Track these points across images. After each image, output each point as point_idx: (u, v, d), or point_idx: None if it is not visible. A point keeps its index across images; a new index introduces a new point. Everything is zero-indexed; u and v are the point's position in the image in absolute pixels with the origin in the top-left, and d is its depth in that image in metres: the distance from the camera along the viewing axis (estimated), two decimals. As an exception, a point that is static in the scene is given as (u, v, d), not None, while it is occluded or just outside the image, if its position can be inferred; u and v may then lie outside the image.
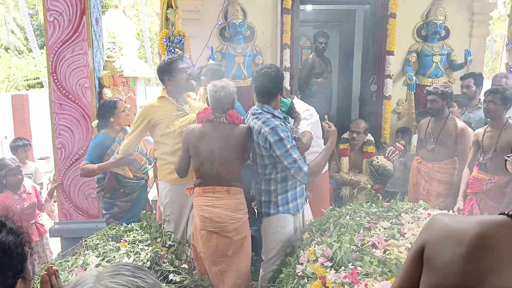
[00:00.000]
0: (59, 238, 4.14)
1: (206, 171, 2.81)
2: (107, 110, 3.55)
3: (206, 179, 2.82)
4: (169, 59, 3.31)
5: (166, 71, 3.27)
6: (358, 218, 2.66)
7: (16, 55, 15.45)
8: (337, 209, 2.91)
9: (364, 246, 2.30)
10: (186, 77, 3.31)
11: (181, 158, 2.97)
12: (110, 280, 0.86)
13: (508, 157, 1.12)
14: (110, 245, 2.85)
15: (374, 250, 2.27)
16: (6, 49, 16.11)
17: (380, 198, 2.98)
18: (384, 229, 2.49)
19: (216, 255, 2.79)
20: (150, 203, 3.88)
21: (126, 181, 3.55)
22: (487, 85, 4.55)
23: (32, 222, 3.75)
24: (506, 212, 1.02)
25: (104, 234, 3.03)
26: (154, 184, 4.20)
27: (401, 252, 2.22)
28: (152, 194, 4.62)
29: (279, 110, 2.90)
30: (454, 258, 1.01)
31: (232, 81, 3.17)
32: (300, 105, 3.48)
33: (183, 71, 3.31)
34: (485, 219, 1.04)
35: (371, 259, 2.16)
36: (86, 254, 2.77)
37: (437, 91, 3.72)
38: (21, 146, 4.52)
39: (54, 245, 4.27)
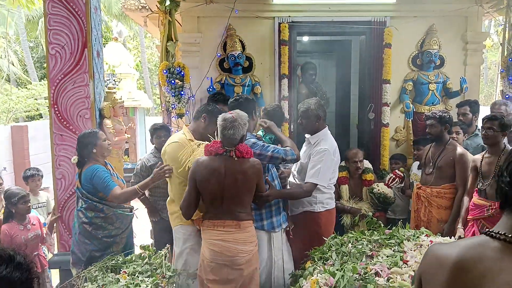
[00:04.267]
0: (58, 269, 4.09)
1: (216, 205, 2.76)
2: (88, 142, 3.35)
3: (215, 212, 2.77)
4: None
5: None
6: (360, 246, 2.65)
7: (17, 87, 15.60)
8: (339, 237, 2.89)
9: (367, 274, 2.28)
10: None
11: (188, 193, 2.82)
12: None
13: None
14: (109, 276, 2.82)
15: (377, 278, 2.25)
16: (7, 80, 16.29)
17: (382, 225, 2.97)
18: (387, 256, 2.47)
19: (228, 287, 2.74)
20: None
21: (126, 213, 3.47)
22: (483, 112, 4.61)
23: (35, 254, 3.71)
24: (485, 231, 1.07)
25: (103, 266, 3.00)
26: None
27: (404, 280, 2.20)
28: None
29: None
30: (439, 283, 1.07)
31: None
32: (322, 141, 3.30)
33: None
34: (467, 242, 1.10)
35: (374, 287, 2.14)
36: (85, 286, 2.74)
37: (435, 115, 3.80)
38: (29, 176, 4.54)
39: (53, 277, 4.21)
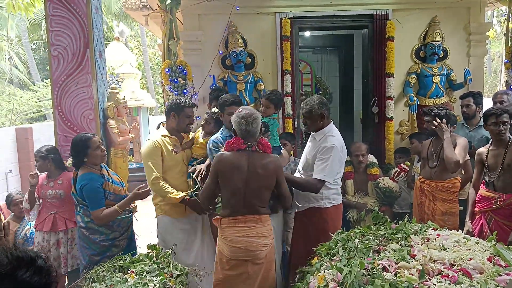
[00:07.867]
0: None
1: (237, 201, 2.81)
2: (79, 150, 3.28)
3: (236, 208, 2.82)
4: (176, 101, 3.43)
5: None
6: (367, 241, 2.63)
7: (20, 89, 15.64)
8: (345, 232, 2.88)
9: (374, 270, 2.26)
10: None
11: (208, 186, 2.92)
12: None
13: None
14: (117, 276, 2.82)
15: (384, 273, 2.24)
16: (10, 83, 16.33)
17: (388, 220, 2.95)
18: (394, 251, 2.46)
19: (249, 282, 2.82)
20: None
21: (123, 216, 3.40)
22: (488, 103, 4.57)
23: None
24: None
25: (111, 266, 3.00)
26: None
27: (412, 275, 2.19)
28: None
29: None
30: None
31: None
32: (329, 137, 3.22)
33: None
34: None
35: (382, 282, 2.12)
36: (93, 287, 2.74)
37: (430, 112, 3.81)
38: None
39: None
